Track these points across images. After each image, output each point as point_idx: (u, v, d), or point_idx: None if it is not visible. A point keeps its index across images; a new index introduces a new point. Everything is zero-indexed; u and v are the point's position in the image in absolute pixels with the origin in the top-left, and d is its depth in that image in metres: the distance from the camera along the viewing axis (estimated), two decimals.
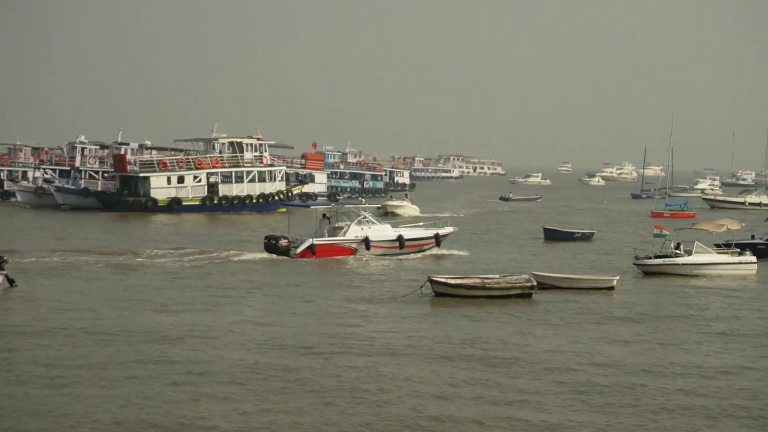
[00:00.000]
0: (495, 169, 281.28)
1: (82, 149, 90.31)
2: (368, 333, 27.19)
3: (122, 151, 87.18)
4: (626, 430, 18.62)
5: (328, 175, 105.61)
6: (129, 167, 79.08)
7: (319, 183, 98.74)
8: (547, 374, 22.56)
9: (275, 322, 28.46)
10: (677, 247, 42.36)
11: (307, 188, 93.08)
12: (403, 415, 19.06)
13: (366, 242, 45.33)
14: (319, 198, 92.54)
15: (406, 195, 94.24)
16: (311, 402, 19.86)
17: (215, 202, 78.13)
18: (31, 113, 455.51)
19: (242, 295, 33.72)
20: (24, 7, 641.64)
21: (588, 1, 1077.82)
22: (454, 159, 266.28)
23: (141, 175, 77.59)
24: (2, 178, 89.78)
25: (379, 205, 50.72)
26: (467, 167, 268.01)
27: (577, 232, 61.49)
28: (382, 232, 46.31)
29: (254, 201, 79.67)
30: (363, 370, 22.52)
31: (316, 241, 44.80)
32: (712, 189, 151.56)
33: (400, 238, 46.26)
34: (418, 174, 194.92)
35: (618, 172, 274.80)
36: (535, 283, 34.26)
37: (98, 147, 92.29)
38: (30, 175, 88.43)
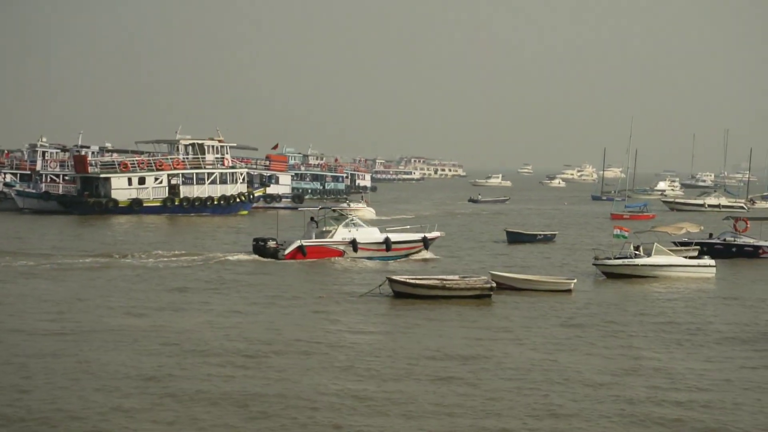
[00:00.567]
0: (456, 171, 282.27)
1: (43, 153, 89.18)
2: (313, 333, 27.09)
3: (83, 154, 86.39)
4: None
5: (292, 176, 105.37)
6: (90, 168, 78.61)
7: (284, 184, 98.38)
8: (506, 378, 22.55)
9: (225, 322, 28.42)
10: (637, 248, 42.85)
11: (272, 190, 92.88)
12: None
13: (353, 244, 46.12)
14: (283, 200, 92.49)
15: (362, 197, 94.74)
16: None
17: (176, 203, 77.87)
18: None
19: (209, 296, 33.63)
20: None
21: (546, 4, 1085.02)
22: (415, 161, 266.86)
23: (102, 176, 77.20)
24: None
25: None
26: (428, 169, 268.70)
27: (539, 234, 61.97)
28: (370, 234, 47.17)
29: (216, 203, 79.50)
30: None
31: (305, 242, 45.40)
32: (672, 191, 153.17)
33: (386, 241, 47.09)
34: (379, 176, 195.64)
35: (579, 173, 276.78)
36: (494, 285, 34.48)
37: (59, 150, 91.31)
38: None
